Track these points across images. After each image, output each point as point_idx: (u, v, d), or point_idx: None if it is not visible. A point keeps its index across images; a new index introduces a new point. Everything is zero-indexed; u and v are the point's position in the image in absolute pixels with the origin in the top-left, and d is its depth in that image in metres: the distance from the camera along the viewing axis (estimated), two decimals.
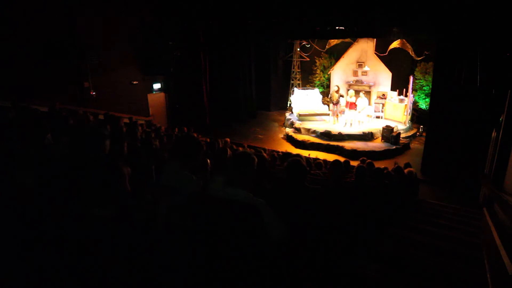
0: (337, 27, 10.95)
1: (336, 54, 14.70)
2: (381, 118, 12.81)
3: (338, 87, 12.32)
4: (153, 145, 4.36)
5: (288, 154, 8.46)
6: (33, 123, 2.87)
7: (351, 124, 12.02)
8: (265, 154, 6.21)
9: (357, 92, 13.02)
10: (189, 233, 1.88)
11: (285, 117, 13.95)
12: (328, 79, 14.92)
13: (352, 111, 12.23)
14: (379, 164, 7.74)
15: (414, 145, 11.71)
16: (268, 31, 12.14)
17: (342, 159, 7.39)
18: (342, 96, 12.14)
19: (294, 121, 13.00)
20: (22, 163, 2.18)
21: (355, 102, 12.35)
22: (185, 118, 12.23)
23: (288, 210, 2.22)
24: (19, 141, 2.69)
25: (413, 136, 12.16)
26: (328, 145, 11.15)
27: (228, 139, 7.82)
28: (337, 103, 12.08)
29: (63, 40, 8.63)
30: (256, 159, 2.15)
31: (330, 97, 12.50)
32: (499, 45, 7.36)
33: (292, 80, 15.56)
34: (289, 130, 12.73)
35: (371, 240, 3.67)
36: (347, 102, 12.26)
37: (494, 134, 7.19)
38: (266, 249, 1.85)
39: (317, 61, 15.14)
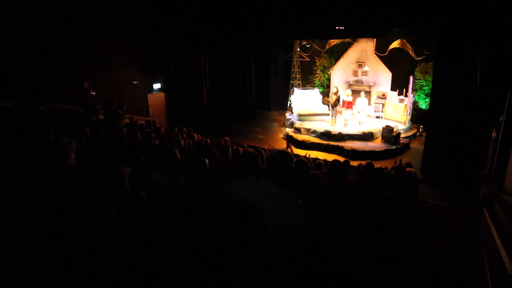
0: (337, 27, 10.97)
1: (336, 54, 14.71)
2: (381, 118, 12.82)
3: (337, 88, 12.29)
4: (153, 145, 4.37)
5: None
6: (35, 122, 2.86)
7: (345, 124, 11.99)
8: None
9: (357, 92, 13.03)
10: (190, 233, 1.88)
11: (285, 117, 13.96)
12: (328, 79, 14.93)
13: (349, 110, 12.23)
14: (379, 164, 7.74)
15: (414, 145, 11.70)
16: (268, 31, 12.15)
17: (342, 159, 7.39)
18: (338, 101, 12.03)
19: (294, 121, 13.00)
20: (22, 162, 2.18)
21: (353, 101, 12.33)
22: (185, 118, 12.23)
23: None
24: (20, 140, 2.68)
25: (413, 136, 12.16)
26: (328, 145, 11.15)
27: (227, 138, 7.83)
28: (335, 105, 12.06)
29: (63, 40, 8.63)
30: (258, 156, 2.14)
31: (329, 100, 12.48)
32: (499, 45, 7.36)
33: (292, 80, 15.56)
34: (289, 130, 12.73)
35: (371, 240, 3.67)
36: (344, 101, 12.24)
37: (494, 134, 7.19)
38: (266, 249, 1.85)
39: (317, 61, 15.15)
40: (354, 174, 6.46)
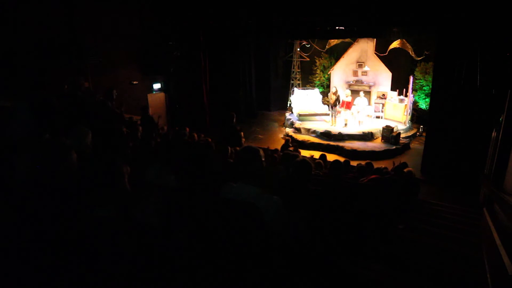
0: (337, 27, 10.96)
1: (336, 54, 14.72)
2: (381, 118, 12.82)
3: (336, 88, 12.27)
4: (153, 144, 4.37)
5: (286, 154, 8.44)
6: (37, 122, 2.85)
7: (345, 124, 12.00)
8: (275, 155, 6.24)
9: (357, 92, 13.03)
10: (190, 233, 1.88)
11: (285, 117, 13.96)
12: (328, 79, 14.93)
13: (348, 110, 12.23)
14: (379, 164, 7.75)
15: (414, 145, 11.70)
16: (268, 31, 12.15)
17: (342, 159, 7.40)
18: (338, 101, 11.98)
19: (294, 121, 13.01)
20: (22, 162, 2.18)
21: (352, 101, 12.33)
22: (185, 118, 12.23)
23: (289, 210, 2.22)
24: (20, 140, 2.68)
25: (413, 136, 12.16)
26: (328, 145, 11.15)
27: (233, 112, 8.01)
28: (334, 105, 12.04)
29: (63, 40, 8.62)
30: (262, 153, 2.11)
31: (328, 100, 12.45)
32: (499, 45, 7.36)
33: (292, 80, 15.56)
34: (289, 130, 12.73)
35: (371, 240, 3.66)
36: (343, 102, 12.24)
37: (494, 134, 7.19)
38: (266, 248, 1.85)
39: (317, 61, 15.15)
40: (354, 174, 6.46)
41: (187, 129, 8.87)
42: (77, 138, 2.63)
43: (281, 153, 8.26)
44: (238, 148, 6.21)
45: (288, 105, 15.37)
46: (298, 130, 12.43)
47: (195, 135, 8.00)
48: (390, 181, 5.11)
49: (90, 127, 2.88)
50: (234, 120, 8.31)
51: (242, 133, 8.07)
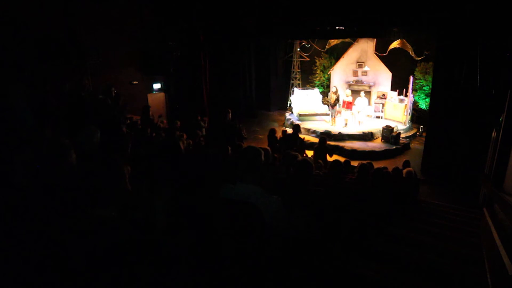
0: (337, 27, 10.97)
1: (336, 54, 14.72)
2: (381, 118, 12.82)
3: (336, 88, 12.27)
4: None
5: (287, 154, 8.43)
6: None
7: (345, 124, 11.99)
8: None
9: (357, 92, 13.04)
10: (189, 232, 1.88)
11: (285, 117, 13.97)
12: (328, 79, 14.93)
13: (348, 110, 12.22)
14: (379, 164, 7.74)
15: (414, 145, 11.71)
16: (268, 31, 12.15)
17: (342, 159, 7.39)
18: (337, 100, 11.95)
19: (294, 121, 13.00)
20: (22, 162, 2.18)
21: (352, 101, 12.34)
22: (185, 118, 12.22)
23: (289, 210, 2.22)
24: (20, 140, 2.68)
25: (413, 136, 12.16)
26: (328, 145, 11.14)
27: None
28: (334, 105, 12.03)
29: (63, 40, 8.61)
30: (262, 153, 2.11)
31: (328, 99, 12.44)
32: (499, 45, 7.36)
33: (292, 80, 15.56)
34: (289, 130, 12.72)
35: (371, 240, 3.67)
36: (344, 102, 12.23)
37: (494, 134, 7.19)
38: (266, 248, 1.85)
39: (317, 61, 15.15)
40: (353, 174, 6.46)
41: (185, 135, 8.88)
42: (88, 137, 2.64)
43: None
44: (237, 146, 6.21)
45: (288, 105, 15.37)
46: None
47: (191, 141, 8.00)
48: (382, 174, 5.08)
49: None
50: (230, 116, 8.22)
51: (244, 130, 7.95)
